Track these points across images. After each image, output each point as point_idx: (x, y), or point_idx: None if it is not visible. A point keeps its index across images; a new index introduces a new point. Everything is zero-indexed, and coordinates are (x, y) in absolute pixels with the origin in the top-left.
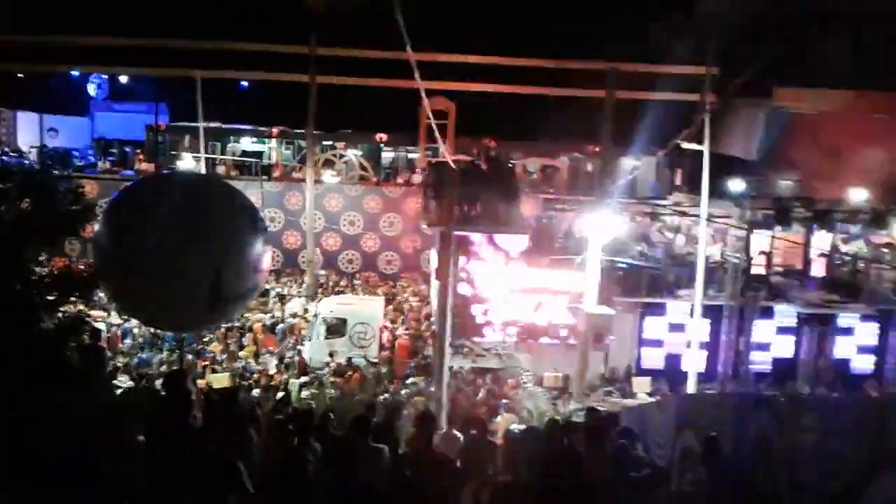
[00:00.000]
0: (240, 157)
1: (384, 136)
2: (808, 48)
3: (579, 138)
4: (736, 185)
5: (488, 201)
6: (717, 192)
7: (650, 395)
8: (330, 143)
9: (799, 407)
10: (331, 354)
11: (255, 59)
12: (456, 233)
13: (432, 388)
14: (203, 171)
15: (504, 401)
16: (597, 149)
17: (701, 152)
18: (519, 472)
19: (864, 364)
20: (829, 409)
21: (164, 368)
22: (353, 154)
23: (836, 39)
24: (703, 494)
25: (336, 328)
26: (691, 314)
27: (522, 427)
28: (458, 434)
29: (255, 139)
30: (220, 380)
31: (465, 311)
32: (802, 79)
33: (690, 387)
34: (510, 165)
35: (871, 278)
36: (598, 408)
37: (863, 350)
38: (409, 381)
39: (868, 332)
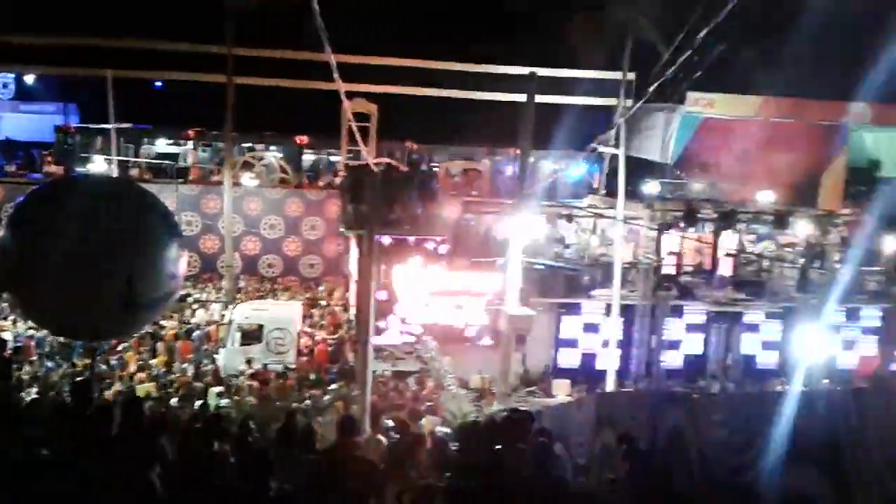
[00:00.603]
0: (154, 159)
1: (305, 139)
2: (720, 55)
3: (500, 141)
4: (651, 187)
5: (407, 204)
6: (634, 195)
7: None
8: (249, 145)
9: (711, 403)
10: (248, 361)
11: (169, 58)
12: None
13: (355, 393)
14: (115, 174)
15: (427, 403)
16: (517, 152)
17: (618, 155)
18: (441, 474)
19: (768, 360)
20: (739, 405)
21: (78, 377)
22: (273, 156)
23: (747, 47)
24: (621, 490)
25: (252, 334)
26: (605, 314)
27: (446, 429)
28: (382, 438)
29: (170, 141)
30: (144, 389)
31: (385, 315)
32: (714, 85)
33: (609, 385)
34: (429, 168)
35: (774, 277)
36: (520, 408)
37: (767, 346)
38: (332, 386)
39: (772, 329)
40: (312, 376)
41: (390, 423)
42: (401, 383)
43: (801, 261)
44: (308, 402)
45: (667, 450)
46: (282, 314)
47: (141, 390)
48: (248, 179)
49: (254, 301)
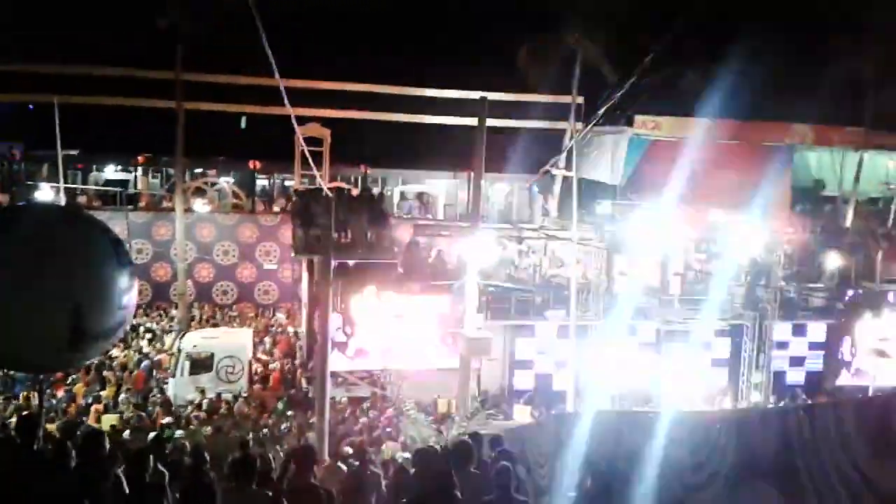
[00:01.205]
0: (103, 186)
1: (258, 163)
2: (666, 78)
3: (454, 165)
4: (604, 208)
5: (358, 228)
6: (586, 216)
7: None
8: (200, 170)
9: (669, 421)
10: (201, 391)
11: (118, 83)
12: (332, 261)
13: (312, 420)
14: (63, 201)
15: (387, 429)
16: (471, 175)
17: (570, 178)
18: (401, 500)
19: (718, 376)
20: (697, 423)
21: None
22: (226, 182)
23: (692, 71)
24: None
25: (202, 363)
26: (558, 335)
27: (406, 455)
28: (342, 466)
29: (118, 168)
30: (108, 421)
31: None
32: (660, 107)
33: (568, 406)
34: (381, 192)
35: (723, 294)
36: (480, 431)
37: (717, 363)
38: (288, 413)
39: (721, 346)
40: (280, 405)
41: (349, 450)
42: (358, 409)
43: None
44: (265, 431)
45: (626, 469)
46: (232, 342)
47: (105, 422)
48: (200, 205)
49: (203, 329)
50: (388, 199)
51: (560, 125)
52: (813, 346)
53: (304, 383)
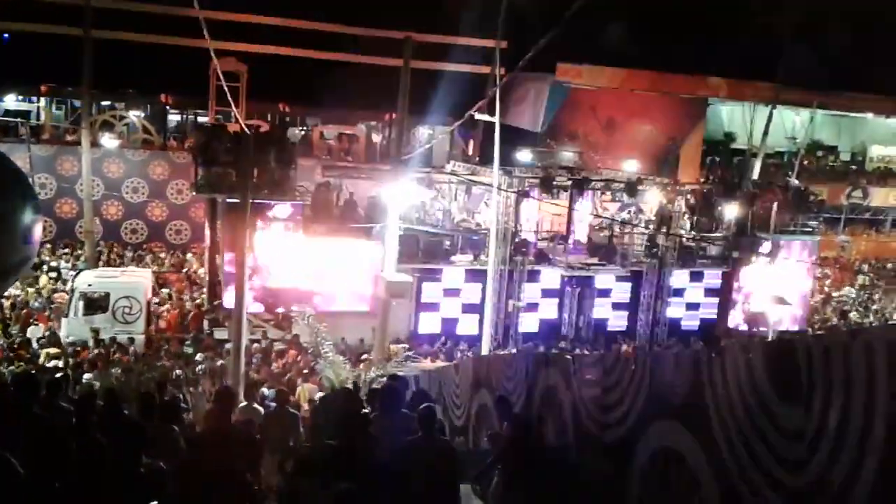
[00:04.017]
0: (3, 116)
1: (170, 98)
2: (588, 27)
3: (377, 106)
4: (523, 155)
5: (263, 167)
6: (507, 162)
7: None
8: (108, 103)
9: (583, 363)
10: (95, 332)
11: (21, 8)
12: (228, 200)
13: (219, 363)
14: None
15: (304, 371)
16: (394, 117)
17: (493, 123)
18: (320, 440)
19: (618, 321)
20: (612, 364)
21: None
22: (135, 116)
23: (613, 20)
24: (498, 448)
25: (97, 303)
26: (466, 280)
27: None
28: (258, 407)
29: (20, 97)
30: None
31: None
32: (582, 55)
33: (484, 349)
34: (285, 131)
35: (624, 241)
36: (399, 374)
37: (617, 307)
38: (198, 356)
39: (622, 292)
40: (188, 348)
41: (266, 391)
42: (276, 353)
43: (651, 227)
44: (178, 372)
45: (541, 409)
46: (129, 282)
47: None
48: (108, 140)
49: (98, 268)
50: (307, 138)
51: (483, 70)
52: (708, 292)
53: (205, 325)
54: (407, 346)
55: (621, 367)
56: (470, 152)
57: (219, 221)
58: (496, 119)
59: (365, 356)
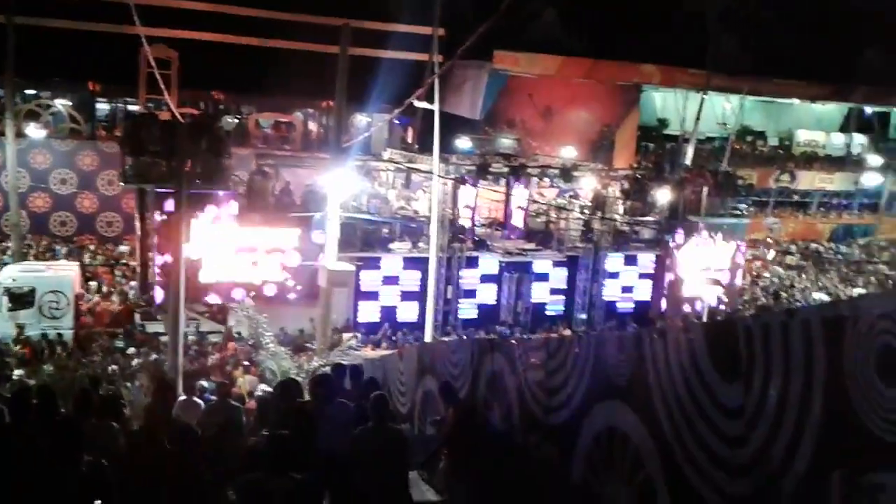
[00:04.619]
0: None
1: (97, 85)
2: (525, 15)
3: (313, 94)
4: (462, 142)
5: (194, 157)
6: (446, 149)
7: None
8: (34, 92)
9: (527, 347)
10: (20, 328)
11: None
12: (158, 190)
13: (154, 357)
14: None
15: (245, 363)
16: (331, 105)
17: (432, 111)
18: (261, 433)
19: (555, 305)
20: (553, 348)
21: None
22: (62, 105)
23: (549, 8)
24: (443, 433)
25: (22, 298)
26: (404, 267)
27: (266, 387)
28: (198, 400)
29: None
30: None
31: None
32: (519, 43)
33: (427, 336)
34: (214, 119)
35: (560, 227)
36: (341, 362)
37: (555, 292)
38: (130, 350)
39: (559, 276)
40: (120, 342)
41: (205, 384)
42: (213, 345)
43: (586, 212)
44: (114, 367)
45: (487, 393)
46: (56, 276)
47: None
48: (33, 130)
49: (23, 262)
50: (243, 127)
51: (421, 57)
52: (642, 275)
53: (137, 318)
54: (357, 335)
55: (565, 351)
56: (409, 140)
57: (151, 213)
58: (435, 107)
59: (308, 346)
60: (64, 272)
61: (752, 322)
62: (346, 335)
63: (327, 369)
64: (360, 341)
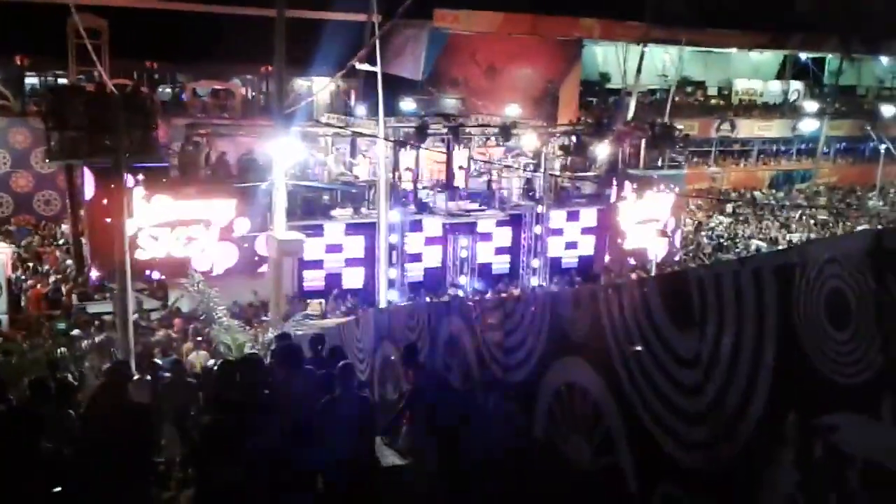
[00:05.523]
0: None
1: (26, 59)
2: None
3: (252, 59)
4: (407, 104)
5: (121, 130)
6: (390, 112)
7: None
8: None
9: (483, 308)
10: None
11: None
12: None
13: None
14: None
15: (198, 338)
16: (270, 70)
17: (374, 73)
18: (216, 407)
19: (501, 264)
20: (512, 307)
21: None
22: None
23: None
24: (405, 398)
25: None
26: (346, 233)
27: (219, 362)
28: (150, 379)
29: None
30: None
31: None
32: (459, 0)
33: (381, 302)
34: (138, 88)
35: (502, 186)
36: (294, 332)
37: (500, 251)
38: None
39: (503, 235)
40: (61, 324)
41: (159, 361)
42: (157, 322)
43: (527, 169)
44: (62, 350)
45: (445, 356)
46: None
47: None
48: None
49: None
50: (178, 96)
51: (358, 17)
52: (585, 231)
53: (74, 300)
54: (321, 301)
55: (521, 310)
56: (352, 103)
57: (80, 190)
58: (377, 68)
59: (262, 318)
60: None
61: (704, 272)
62: (313, 302)
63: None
64: (328, 309)
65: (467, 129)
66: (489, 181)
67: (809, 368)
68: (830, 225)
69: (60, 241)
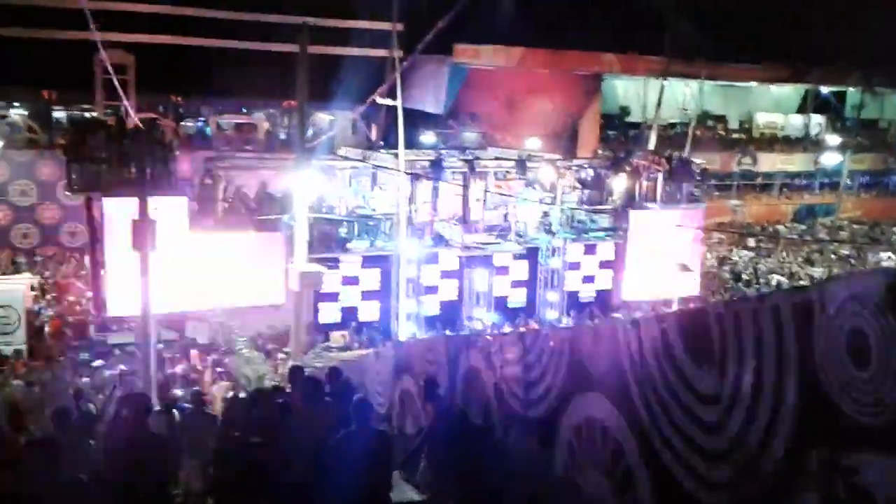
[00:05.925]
0: None
1: (53, 94)
2: (483, 7)
3: (274, 94)
4: (427, 138)
5: (140, 163)
6: (411, 145)
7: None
8: None
9: (503, 342)
10: None
11: None
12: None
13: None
14: None
15: (219, 369)
16: (292, 104)
17: (395, 107)
18: (238, 439)
19: (518, 298)
20: (531, 342)
21: None
22: (18, 114)
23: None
24: (424, 432)
25: None
26: (363, 266)
27: (240, 394)
28: (173, 411)
29: None
30: None
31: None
32: (478, 36)
33: (401, 335)
34: (201, 120)
35: (518, 219)
36: (314, 364)
37: (516, 284)
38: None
39: (520, 269)
40: (85, 355)
41: (178, 393)
42: (181, 354)
43: (546, 202)
44: (86, 380)
45: (465, 390)
46: (4, 291)
47: None
48: None
49: None
50: (202, 130)
51: (381, 53)
52: (603, 264)
53: (91, 331)
54: (344, 333)
55: (540, 345)
56: (373, 137)
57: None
58: (398, 103)
59: (285, 350)
60: (12, 286)
61: (723, 309)
62: (335, 333)
63: (308, 371)
64: (348, 341)
65: (483, 163)
66: (505, 214)
67: (831, 407)
68: (853, 261)
69: (84, 272)
